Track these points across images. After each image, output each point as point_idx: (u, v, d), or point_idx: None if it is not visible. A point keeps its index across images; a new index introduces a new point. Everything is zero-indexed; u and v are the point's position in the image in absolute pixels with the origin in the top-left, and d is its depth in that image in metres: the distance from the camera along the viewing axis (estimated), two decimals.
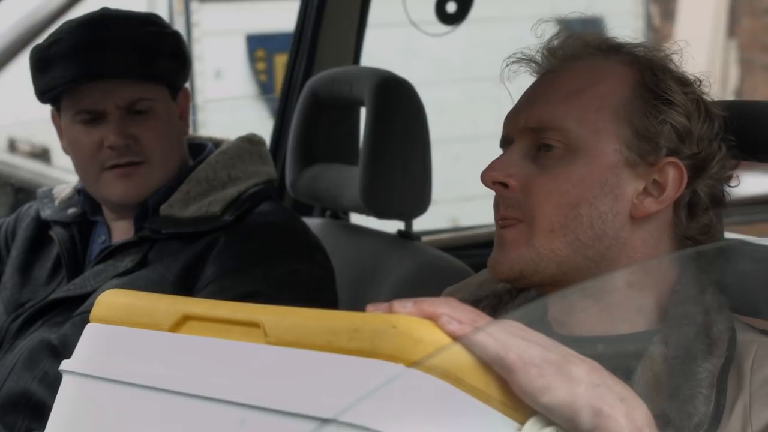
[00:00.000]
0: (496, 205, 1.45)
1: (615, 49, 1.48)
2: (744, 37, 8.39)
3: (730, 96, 8.19)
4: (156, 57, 2.03)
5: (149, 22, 2.09)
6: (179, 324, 1.09)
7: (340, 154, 2.41)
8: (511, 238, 1.42)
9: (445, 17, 2.69)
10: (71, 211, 2.14)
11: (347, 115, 2.46)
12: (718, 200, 1.46)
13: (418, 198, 2.22)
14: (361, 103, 2.30)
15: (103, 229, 2.12)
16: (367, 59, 2.82)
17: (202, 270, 1.95)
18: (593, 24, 7.14)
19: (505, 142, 1.47)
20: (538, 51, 1.50)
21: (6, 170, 4.49)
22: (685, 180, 1.42)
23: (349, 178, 2.27)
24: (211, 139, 2.21)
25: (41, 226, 2.16)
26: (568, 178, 1.40)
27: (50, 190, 2.20)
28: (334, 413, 0.92)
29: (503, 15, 5.33)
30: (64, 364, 1.17)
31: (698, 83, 1.48)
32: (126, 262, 2.01)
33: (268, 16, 5.95)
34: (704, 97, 1.48)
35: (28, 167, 4.52)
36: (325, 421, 0.92)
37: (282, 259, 1.98)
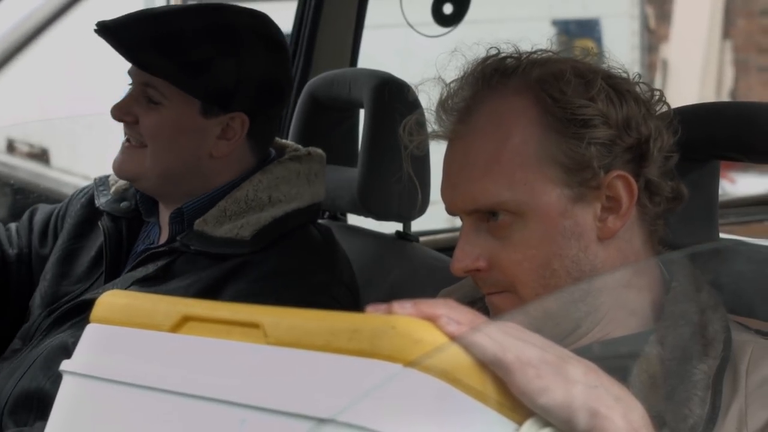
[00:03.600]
0: (477, 284, 1.46)
1: (504, 75, 1.43)
2: (739, 38, 8.40)
3: (725, 97, 8.20)
4: (149, 50, 1.97)
5: (215, 26, 2.01)
6: (179, 325, 1.10)
7: (339, 156, 2.41)
8: (503, 306, 1.43)
9: (441, 19, 2.69)
10: (124, 204, 2.10)
11: (346, 117, 2.46)
12: (670, 171, 1.44)
13: (416, 199, 2.23)
14: (360, 105, 2.30)
15: (155, 231, 2.08)
16: (364, 61, 2.82)
17: (221, 292, 1.91)
18: (589, 25, 7.15)
19: (451, 213, 1.47)
20: (434, 113, 1.47)
21: (4, 171, 4.48)
22: (635, 186, 1.40)
23: (347, 180, 2.28)
24: (277, 143, 2.14)
25: (92, 213, 2.13)
26: (528, 243, 1.39)
27: (107, 177, 2.17)
28: (333, 413, 0.92)
29: (499, 17, 5.34)
30: (64, 365, 1.18)
31: (595, 72, 1.41)
32: (149, 267, 1.98)
33: None
34: (609, 78, 1.42)
35: (26, 168, 4.51)
36: (323, 421, 0.93)
37: (298, 288, 1.92)
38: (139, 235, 2.10)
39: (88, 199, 2.16)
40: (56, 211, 2.22)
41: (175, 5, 2.07)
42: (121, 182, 2.14)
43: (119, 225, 2.09)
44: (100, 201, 2.12)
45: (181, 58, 1.97)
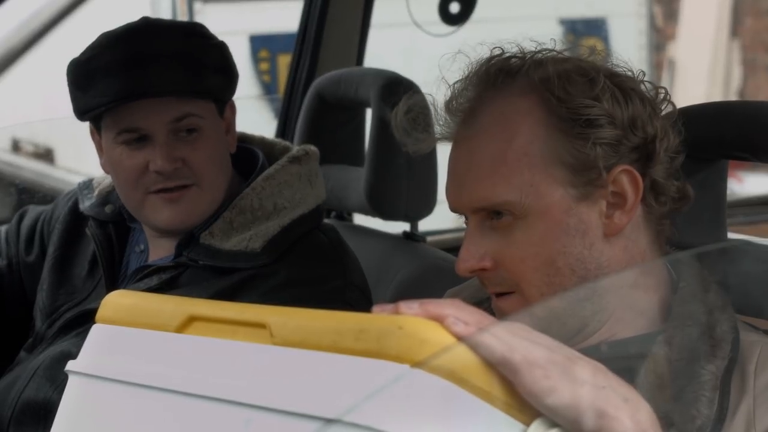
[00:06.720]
0: (483, 284, 1.45)
1: (509, 76, 1.42)
2: (747, 37, 8.39)
3: (732, 96, 8.18)
4: (202, 71, 1.89)
5: (194, 32, 1.95)
6: (185, 325, 1.10)
7: (346, 156, 2.41)
8: (508, 310, 1.42)
9: (448, 18, 2.69)
10: (108, 208, 2.03)
11: (353, 117, 2.46)
12: (676, 171, 1.43)
13: (423, 199, 2.23)
14: (367, 105, 2.30)
15: (142, 237, 2.02)
16: (370, 60, 2.82)
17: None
18: (596, 25, 7.14)
19: (456, 211, 1.46)
20: (438, 115, 1.46)
21: (9, 171, 4.49)
22: (641, 181, 1.39)
23: (354, 180, 2.28)
24: (263, 141, 2.09)
25: (78, 219, 2.07)
26: (532, 241, 1.38)
27: (90, 180, 2.10)
28: (340, 413, 0.92)
29: (506, 16, 5.33)
30: (70, 365, 1.18)
31: (599, 71, 1.40)
32: (153, 279, 1.93)
33: (271, 16, 5.96)
34: (613, 76, 1.41)
35: (31, 168, 4.52)
36: (329, 421, 0.93)
37: (312, 297, 1.80)
38: (128, 238, 2.04)
39: (74, 203, 2.10)
40: (42, 216, 2.16)
41: (138, 24, 1.96)
42: (105, 184, 2.07)
43: (107, 230, 2.03)
44: (85, 205, 2.06)
45: (208, 68, 1.91)
